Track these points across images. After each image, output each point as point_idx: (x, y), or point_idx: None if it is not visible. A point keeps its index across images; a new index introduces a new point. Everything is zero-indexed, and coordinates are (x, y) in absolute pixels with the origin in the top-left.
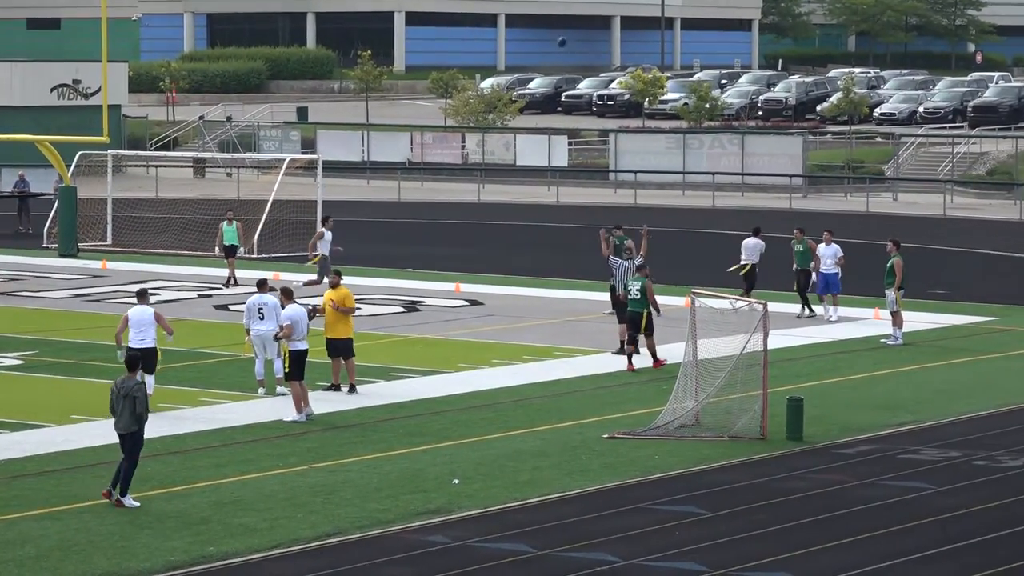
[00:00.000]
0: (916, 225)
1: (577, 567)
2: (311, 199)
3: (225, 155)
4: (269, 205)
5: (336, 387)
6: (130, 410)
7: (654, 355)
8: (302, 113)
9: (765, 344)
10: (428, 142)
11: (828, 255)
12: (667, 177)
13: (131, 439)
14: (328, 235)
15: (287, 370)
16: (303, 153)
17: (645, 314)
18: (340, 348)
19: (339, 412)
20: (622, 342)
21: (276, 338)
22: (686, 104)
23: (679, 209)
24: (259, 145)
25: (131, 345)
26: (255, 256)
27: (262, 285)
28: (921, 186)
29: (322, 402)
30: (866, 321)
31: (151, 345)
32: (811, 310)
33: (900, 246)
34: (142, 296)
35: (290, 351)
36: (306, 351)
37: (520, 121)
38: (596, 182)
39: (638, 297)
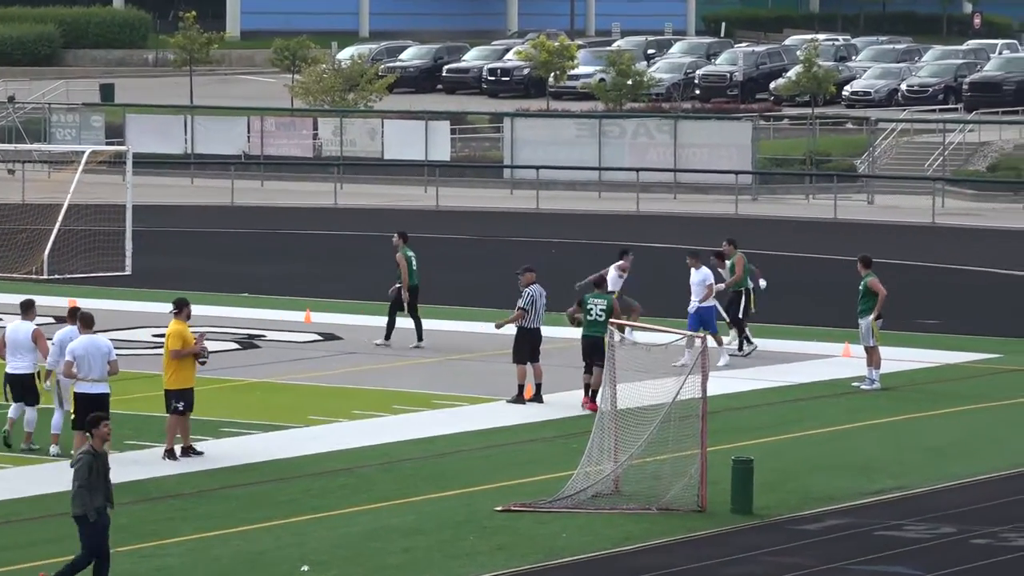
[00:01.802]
0: (898, 235)
1: None
2: (119, 203)
3: (6, 146)
4: (64, 211)
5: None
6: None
7: (594, 393)
8: (107, 92)
9: (704, 389)
10: (270, 129)
11: (696, 283)
12: (578, 175)
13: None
14: None
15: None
16: (108, 144)
17: (606, 340)
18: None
19: (153, 479)
20: (520, 387)
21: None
22: (602, 81)
23: (594, 216)
24: (50, 134)
25: (7, 371)
26: (44, 277)
27: (76, 317)
28: (904, 185)
29: (130, 465)
30: (833, 359)
31: (30, 371)
32: (749, 340)
33: (872, 263)
34: (27, 309)
35: (76, 395)
36: (98, 396)
37: (389, 102)
38: (487, 181)
39: (600, 318)
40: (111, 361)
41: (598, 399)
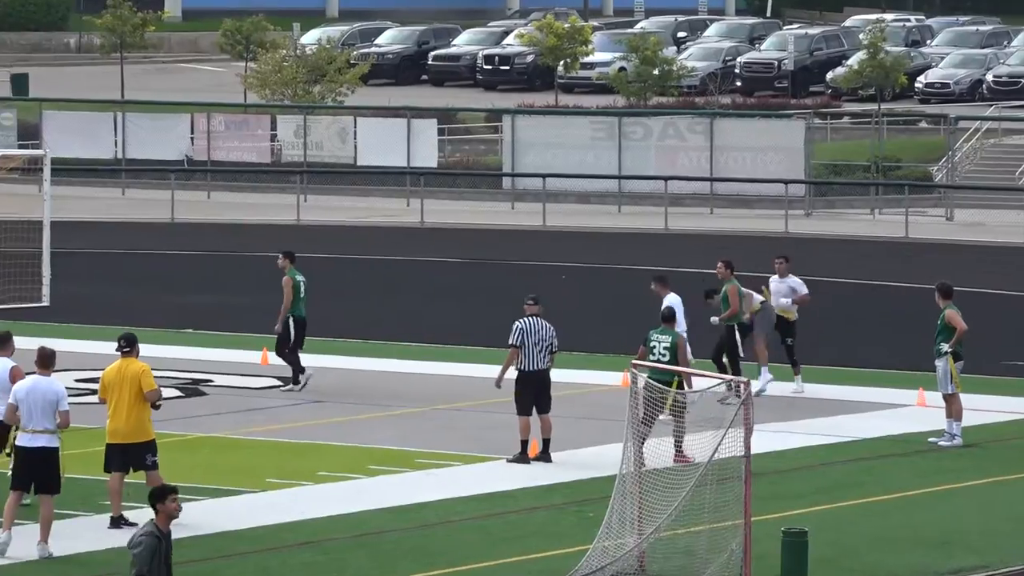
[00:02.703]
0: (983, 258)
1: None
2: (34, 218)
3: None
4: None
5: (121, 520)
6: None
7: (679, 448)
8: (19, 83)
9: (748, 446)
10: (219, 129)
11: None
12: (594, 184)
13: None
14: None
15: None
16: (21, 147)
17: (675, 383)
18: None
19: (82, 554)
20: (524, 443)
21: None
22: (623, 70)
23: (613, 235)
24: None
25: None
26: None
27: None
28: (991, 198)
29: (60, 539)
30: (904, 410)
31: None
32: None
33: (952, 293)
34: (3, 344)
35: (15, 447)
36: (40, 451)
37: (363, 96)
38: (482, 192)
39: (664, 358)
40: (61, 412)
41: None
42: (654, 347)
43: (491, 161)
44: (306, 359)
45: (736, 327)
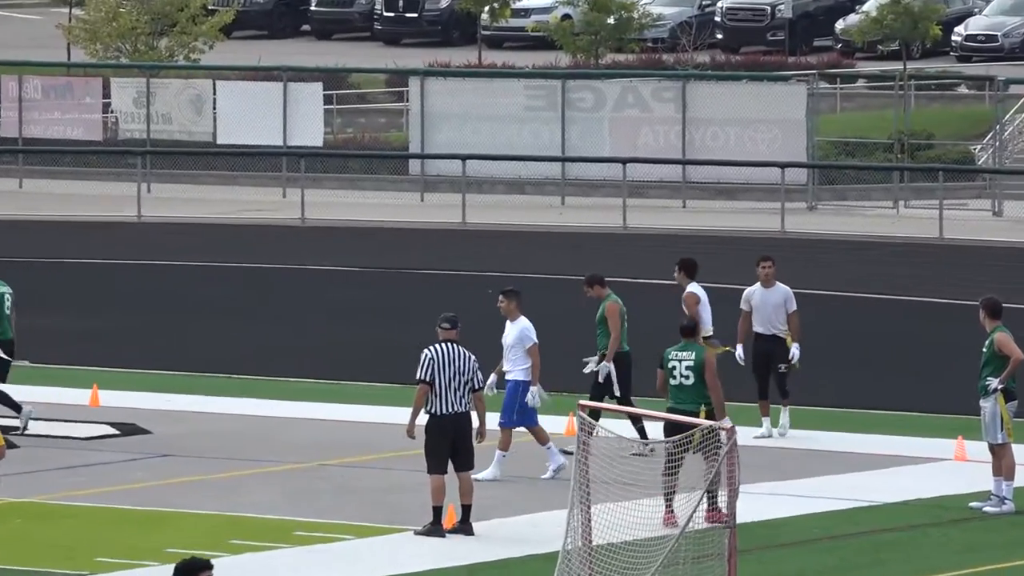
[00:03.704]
0: None
1: None
2: None
3: None
4: None
5: None
6: None
7: (713, 502)
8: None
9: (733, 513)
10: (34, 97)
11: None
12: (529, 169)
13: None
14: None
15: None
16: None
17: (704, 413)
18: None
19: None
20: (437, 511)
21: None
22: (567, 18)
23: (555, 235)
24: None
25: None
26: None
27: None
28: None
29: None
30: (939, 464)
31: None
32: (643, 435)
33: (1002, 311)
34: None
35: None
36: None
37: (225, 53)
38: (383, 180)
39: (688, 380)
40: None
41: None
42: (674, 368)
43: (394, 139)
44: (148, 400)
45: (617, 355)
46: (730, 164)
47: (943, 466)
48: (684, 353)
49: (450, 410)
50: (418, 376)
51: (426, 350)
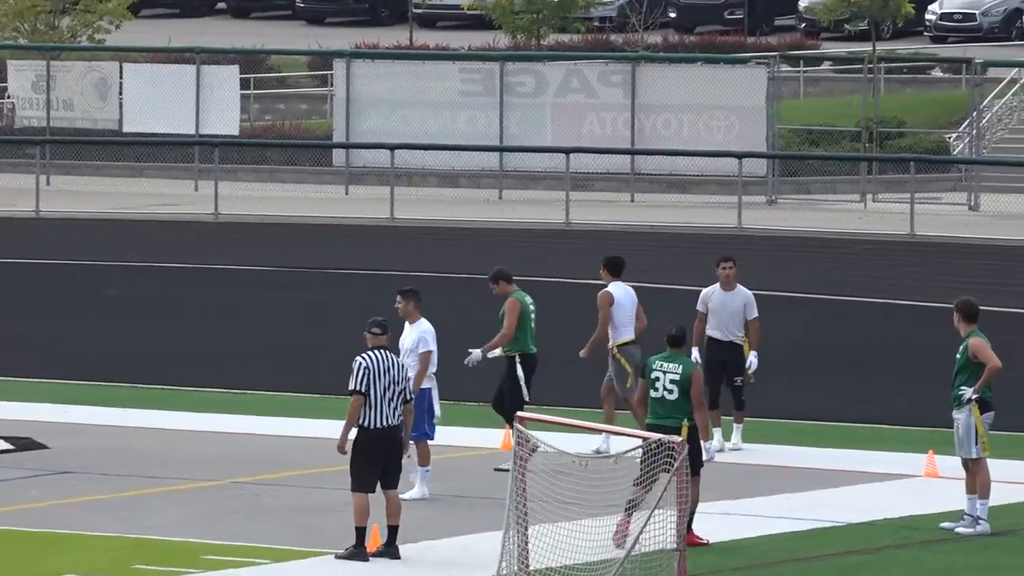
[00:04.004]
0: (1018, 263)
1: None
2: None
3: None
4: None
5: None
6: None
7: (685, 530)
8: None
9: (682, 534)
10: None
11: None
12: (464, 160)
13: None
14: None
15: None
16: None
17: (686, 430)
18: None
19: None
20: (360, 532)
21: None
22: None
23: (493, 231)
24: None
25: None
26: None
27: None
28: None
29: None
30: (908, 482)
31: None
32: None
33: (978, 315)
34: None
35: None
36: None
37: (133, 32)
38: (305, 172)
39: (671, 395)
40: None
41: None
42: (657, 379)
43: (317, 127)
44: (45, 412)
45: (519, 359)
46: (683, 154)
47: (913, 483)
48: (670, 364)
49: (382, 423)
50: (352, 387)
51: (360, 358)
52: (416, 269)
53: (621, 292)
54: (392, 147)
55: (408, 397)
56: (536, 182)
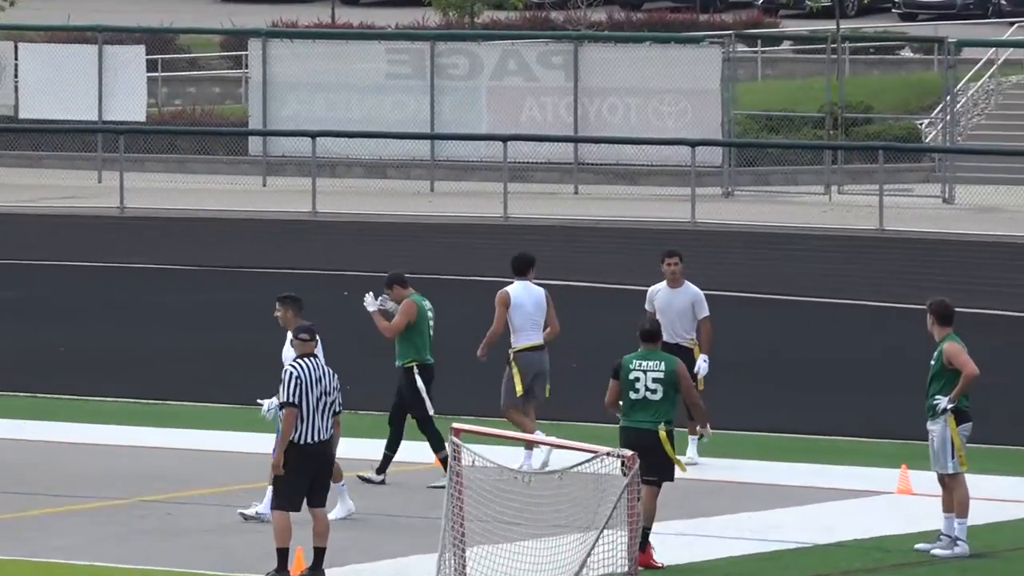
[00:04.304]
0: (998, 260)
1: None
2: None
3: None
4: None
5: None
6: None
7: (637, 551)
8: None
9: (633, 556)
10: None
11: None
12: (391, 148)
13: None
14: None
15: None
16: None
17: (663, 433)
18: None
19: None
20: (282, 554)
21: None
22: None
23: (423, 226)
24: None
25: None
26: None
27: None
28: (1011, 167)
29: None
30: (879, 498)
31: None
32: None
33: (953, 317)
34: None
35: None
36: None
37: (26, 10)
38: (218, 162)
39: (654, 395)
40: None
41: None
42: (636, 380)
43: (231, 112)
44: None
45: (417, 368)
46: (631, 142)
47: (884, 500)
48: (650, 363)
49: (314, 438)
50: (285, 398)
51: (291, 367)
52: (340, 268)
53: (523, 292)
54: (314, 135)
55: (338, 408)
56: (471, 173)
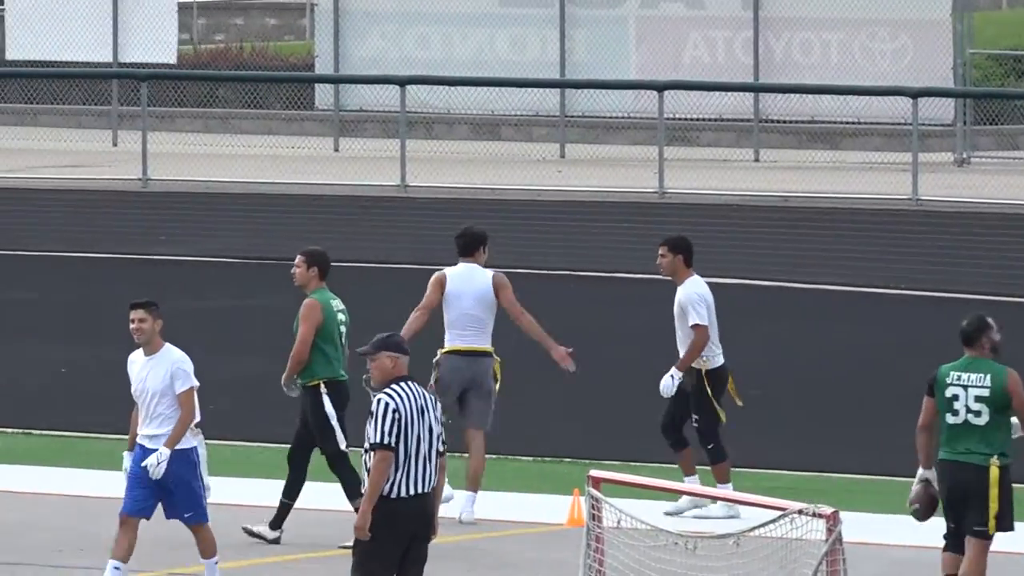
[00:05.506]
0: None
1: None
2: None
3: None
4: None
5: None
6: None
7: None
8: None
9: None
10: None
11: None
12: (509, 100)
13: None
14: None
15: None
16: None
17: (996, 470)
18: None
19: None
20: None
21: None
22: None
23: (548, 204)
24: None
25: None
26: None
27: None
28: None
29: None
30: None
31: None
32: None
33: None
34: None
35: None
36: None
37: None
38: (276, 117)
39: (980, 419)
40: None
41: None
42: (955, 398)
43: (291, 52)
44: None
45: (325, 387)
46: (831, 91)
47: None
48: (973, 375)
49: (416, 490)
50: (377, 438)
51: (386, 397)
52: (435, 260)
53: (463, 279)
54: (402, 81)
55: (442, 448)
56: (614, 133)
